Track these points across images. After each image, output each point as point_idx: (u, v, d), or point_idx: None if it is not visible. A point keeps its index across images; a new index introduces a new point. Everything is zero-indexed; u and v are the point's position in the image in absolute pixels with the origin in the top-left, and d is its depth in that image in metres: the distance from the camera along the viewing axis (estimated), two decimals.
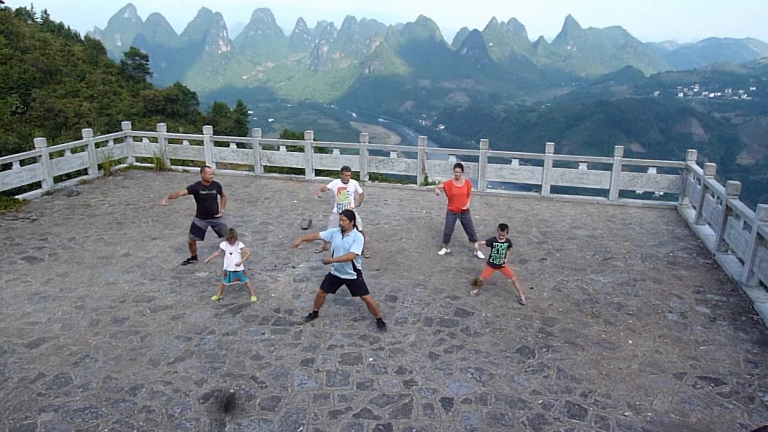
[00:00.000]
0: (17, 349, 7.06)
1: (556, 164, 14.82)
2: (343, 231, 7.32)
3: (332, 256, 7.41)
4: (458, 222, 10.43)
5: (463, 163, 10.81)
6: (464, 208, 10.25)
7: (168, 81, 54.39)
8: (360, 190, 10.20)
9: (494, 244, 8.39)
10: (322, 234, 7.67)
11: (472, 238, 10.34)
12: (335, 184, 10.19)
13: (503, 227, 8.37)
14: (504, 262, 8.43)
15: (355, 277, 7.46)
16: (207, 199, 9.61)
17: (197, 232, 9.75)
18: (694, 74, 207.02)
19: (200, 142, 17.40)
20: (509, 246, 8.41)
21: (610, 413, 5.91)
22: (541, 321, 7.92)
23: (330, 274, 7.57)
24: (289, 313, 8.09)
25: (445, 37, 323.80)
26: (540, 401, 6.10)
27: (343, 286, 7.62)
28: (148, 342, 7.26)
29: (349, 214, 7.39)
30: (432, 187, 11.15)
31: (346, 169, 10.12)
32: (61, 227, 11.90)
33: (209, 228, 9.92)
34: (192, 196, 9.64)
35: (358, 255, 7.28)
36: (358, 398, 6.10)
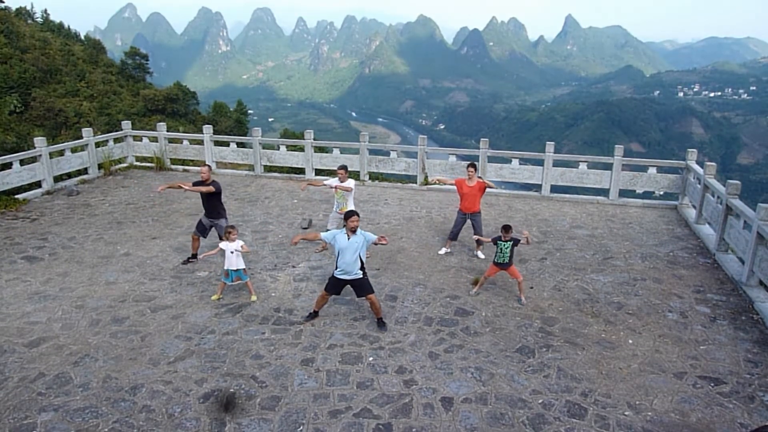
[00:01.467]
0: (17, 348, 7.06)
1: (556, 164, 14.82)
2: (353, 231, 7.32)
3: (338, 258, 7.42)
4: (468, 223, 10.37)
5: (476, 163, 10.61)
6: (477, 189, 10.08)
7: (168, 80, 54.35)
8: (350, 185, 10.11)
9: (498, 243, 8.39)
10: (323, 235, 7.68)
11: (479, 240, 10.25)
12: (333, 182, 10.22)
13: (507, 229, 8.33)
14: (511, 262, 8.42)
15: (362, 275, 7.47)
16: (204, 197, 9.67)
17: (200, 229, 9.86)
18: (694, 74, 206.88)
19: (200, 142, 17.40)
20: (514, 244, 8.39)
21: (610, 413, 5.91)
22: (541, 320, 7.92)
23: (335, 276, 7.56)
24: (289, 312, 8.09)
25: (445, 36, 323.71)
26: (540, 401, 6.10)
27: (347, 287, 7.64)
28: (148, 341, 7.26)
29: (358, 214, 7.46)
30: (434, 179, 11.04)
31: (341, 168, 10.13)
32: (61, 227, 11.90)
33: (212, 229, 9.94)
34: (198, 193, 9.78)
35: (363, 251, 7.42)
36: (358, 398, 6.10)
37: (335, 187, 10.19)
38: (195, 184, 9.68)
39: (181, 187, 9.60)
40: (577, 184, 14.76)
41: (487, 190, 10.36)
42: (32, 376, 6.46)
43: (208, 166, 9.87)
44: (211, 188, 9.50)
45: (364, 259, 7.51)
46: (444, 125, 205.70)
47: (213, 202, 9.70)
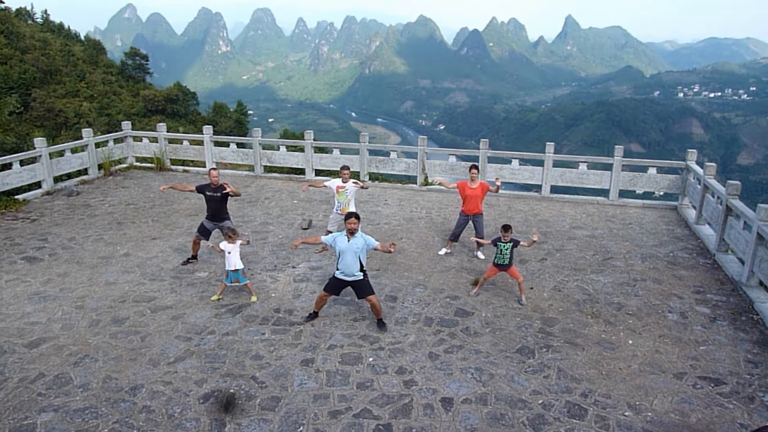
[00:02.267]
0: (17, 349, 7.05)
1: (556, 164, 14.83)
2: (352, 233, 7.32)
3: (338, 260, 7.42)
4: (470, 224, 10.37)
5: (478, 164, 10.63)
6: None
7: (168, 81, 54.41)
8: (359, 183, 10.28)
9: (498, 244, 8.38)
10: (324, 238, 7.68)
11: (479, 242, 10.23)
12: (334, 183, 10.18)
13: (507, 228, 8.33)
14: (511, 263, 8.41)
15: (362, 277, 7.47)
16: (212, 201, 9.58)
17: (203, 232, 9.75)
18: (694, 74, 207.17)
19: (200, 142, 17.40)
20: (514, 246, 8.38)
21: (610, 413, 5.91)
22: (541, 321, 7.92)
23: (335, 277, 7.56)
24: (289, 313, 8.09)
25: (445, 37, 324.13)
26: (540, 401, 6.10)
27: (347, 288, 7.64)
28: (148, 342, 7.26)
29: (358, 216, 7.45)
30: (437, 180, 11.03)
31: (345, 168, 10.10)
32: (61, 227, 11.90)
33: (216, 230, 9.87)
34: (201, 195, 9.69)
35: (363, 253, 7.40)
36: (358, 398, 6.10)
37: (357, 186, 10.16)
38: (199, 188, 9.64)
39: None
40: (577, 185, 14.77)
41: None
42: (32, 377, 6.45)
43: (217, 169, 9.80)
44: (240, 191, 9.75)
45: (364, 262, 7.50)
46: (444, 126, 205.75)
47: (220, 206, 9.62)
